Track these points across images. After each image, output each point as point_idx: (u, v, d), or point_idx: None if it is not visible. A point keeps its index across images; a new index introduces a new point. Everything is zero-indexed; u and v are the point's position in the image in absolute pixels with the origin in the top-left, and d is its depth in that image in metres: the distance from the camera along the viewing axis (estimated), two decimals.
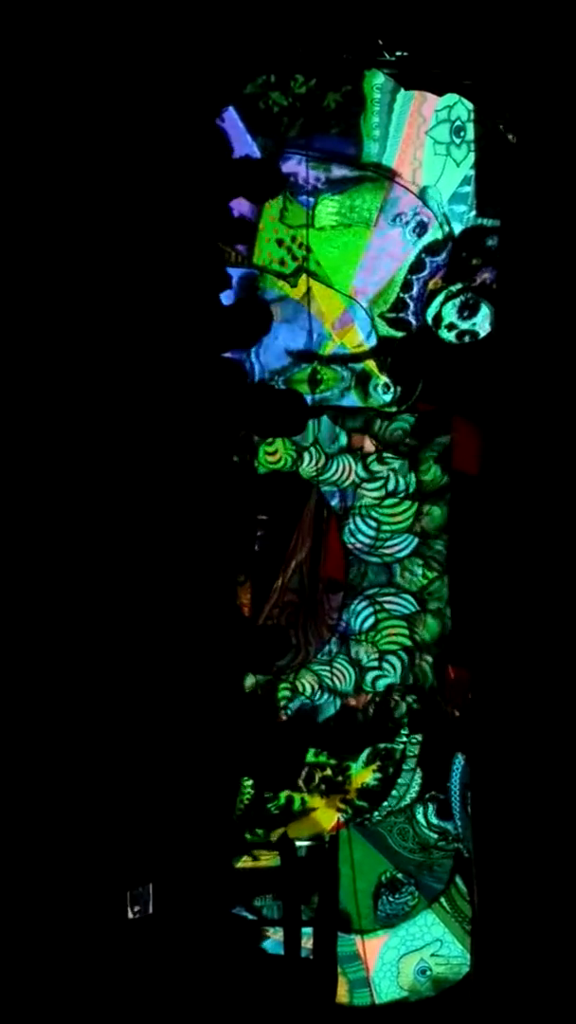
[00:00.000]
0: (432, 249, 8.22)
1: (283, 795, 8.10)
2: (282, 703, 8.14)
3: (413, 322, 8.25)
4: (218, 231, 7.55)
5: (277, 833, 7.87)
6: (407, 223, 8.17)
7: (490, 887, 7.57)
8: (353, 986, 8.03)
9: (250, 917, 7.80)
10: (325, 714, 8.19)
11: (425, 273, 8.23)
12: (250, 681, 8.01)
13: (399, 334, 8.27)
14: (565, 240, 7.47)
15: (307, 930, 7.30)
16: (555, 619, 7.37)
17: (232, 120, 7.93)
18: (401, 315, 8.27)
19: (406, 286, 8.26)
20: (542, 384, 7.52)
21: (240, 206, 7.99)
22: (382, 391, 8.21)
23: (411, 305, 8.26)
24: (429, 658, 8.15)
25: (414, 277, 8.24)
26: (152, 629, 6.72)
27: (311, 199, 8.19)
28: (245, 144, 7.94)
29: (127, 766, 6.56)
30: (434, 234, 8.19)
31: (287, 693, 8.16)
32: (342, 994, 7.83)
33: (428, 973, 8.10)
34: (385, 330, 8.27)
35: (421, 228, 8.18)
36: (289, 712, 8.17)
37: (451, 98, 8.01)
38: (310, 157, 8.11)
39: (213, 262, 7.16)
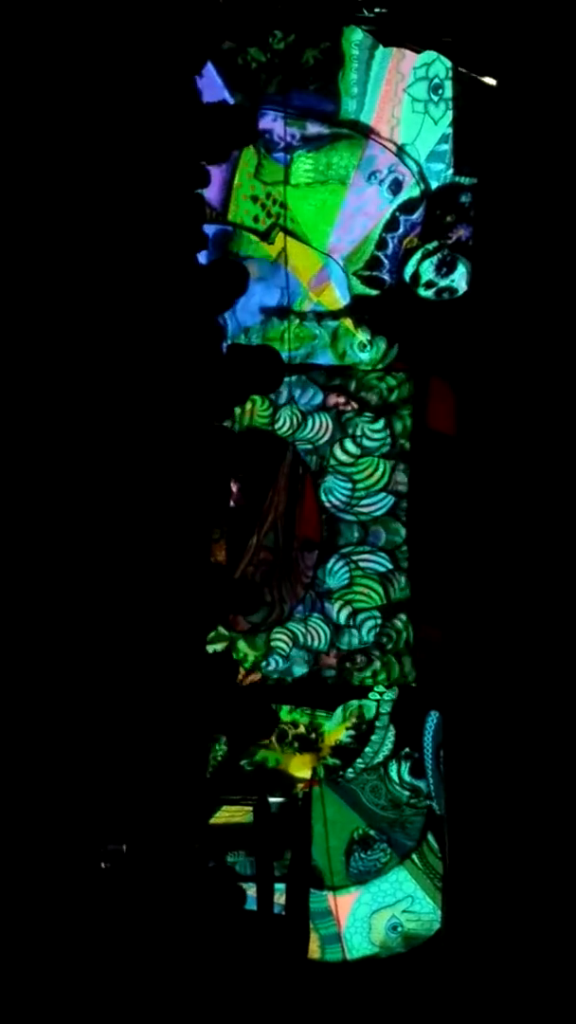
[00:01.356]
0: (407, 207, 8.20)
1: (257, 753, 8.13)
2: (256, 661, 8.16)
3: (387, 280, 8.24)
4: (192, 187, 7.48)
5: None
6: (383, 181, 8.15)
7: (461, 844, 7.60)
8: (325, 942, 8.08)
9: (223, 873, 7.82)
10: (299, 672, 8.20)
11: (400, 231, 8.21)
12: (224, 638, 8.03)
13: (374, 292, 8.25)
14: (542, 198, 7.45)
15: (280, 886, 7.32)
16: (528, 577, 7.38)
17: (210, 75, 7.88)
18: (375, 273, 8.26)
19: (381, 244, 8.24)
20: (519, 343, 7.50)
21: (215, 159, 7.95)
22: (358, 349, 8.20)
23: (386, 263, 8.24)
24: (403, 616, 8.17)
25: (388, 235, 8.22)
26: (126, 587, 6.69)
27: (287, 156, 8.16)
28: (221, 94, 7.91)
29: (100, 722, 6.54)
30: (409, 192, 8.17)
31: (261, 650, 8.18)
32: (314, 950, 7.87)
33: (399, 929, 8.15)
34: (360, 288, 8.25)
35: (396, 186, 8.16)
36: (263, 670, 8.19)
37: (429, 55, 7.98)
38: (287, 114, 8.07)
39: (188, 218, 7.10)
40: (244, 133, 7.15)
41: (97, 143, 6.68)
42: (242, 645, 8.22)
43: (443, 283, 8.11)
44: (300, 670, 8.20)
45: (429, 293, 8.11)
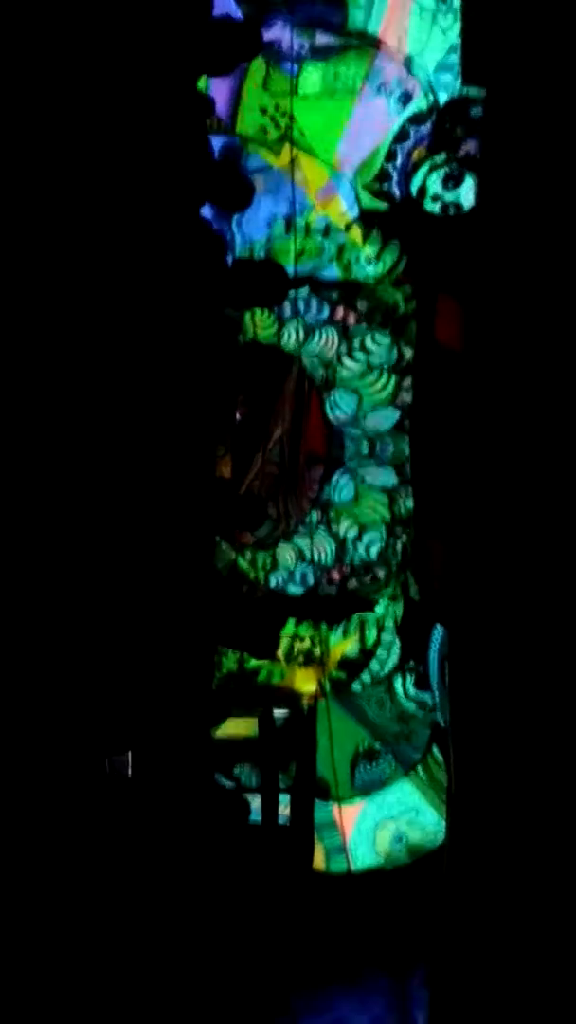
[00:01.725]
0: (417, 119, 8.13)
1: (263, 666, 8.17)
2: (262, 574, 8.19)
3: (397, 193, 8.18)
4: (199, 100, 7.42)
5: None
6: (391, 92, 8.08)
7: (466, 756, 7.65)
8: (330, 853, 8.15)
9: (229, 784, 7.89)
10: (305, 586, 8.23)
11: (410, 143, 8.15)
12: (230, 554, 8.05)
13: (383, 205, 8.20)
14: (552, 111, 7.37)
15: (284, 797, 7.39)
16: (534, 493, 7.37)
17: None
18: (384, 186, 8.20)
19: (390, 156, 8.18)
20: (527, 259, 7.45)
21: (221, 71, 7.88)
22: (364, 263, 8.16)
23: (394, 176, 8.18)
24: (409, 530, 8.18)
25: (398, 147, 8.17)
26: (131, 502, 6.71)
27: (295, 67, 8.08)
28: (228, 7, 7.81)
29: (106, 638, 6.58)
30: (419, 104, 8.10)
31: (267, 565, 8.20)
32: (319, 861, 7.95)
33: (404, 841, 8.22)
34: (369, 201, 8.20)
35: (406, 97, 8.09)
36: (269, 584, 8.21)
37: None
38: (294, 23, 7.98)
39: (194, 132, 7.05)
40: (250, 45, 7.08)
41: (101, 57, 6.63)
42: (246, 559, 8.24)
43: (449, 197, 8.05)
44: (306, 584, 8.23)
45: (435, 207, 8.06)
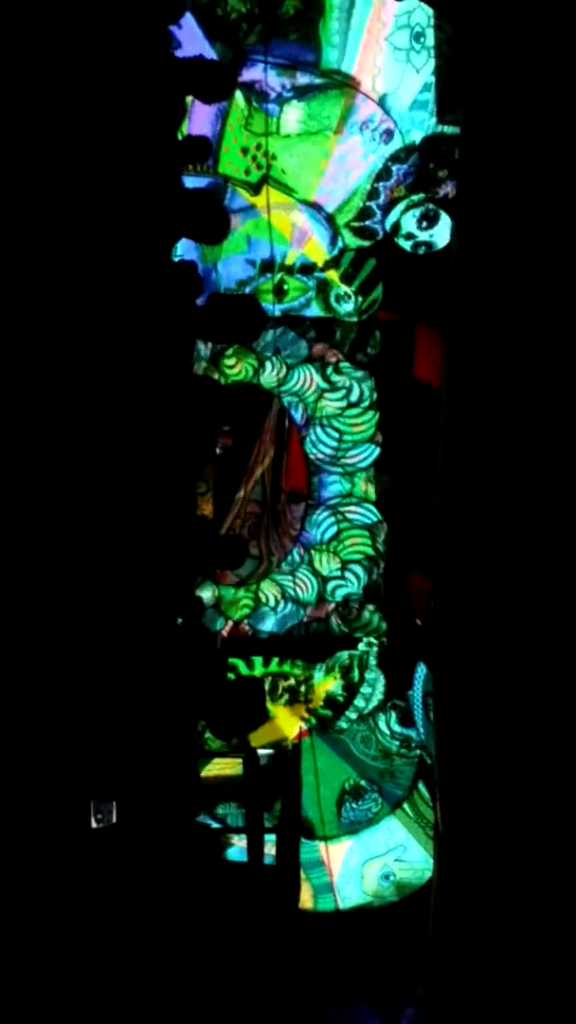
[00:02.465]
0: (397, 157, 8.17)
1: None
2: (245, 613, 8.19)
3: (379, 231, 8.22)
4: (177, 142, 7.45)
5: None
6: (373, 130, 8.12)
7: (453, 793, 7.63)
8: (317, 892, 8.13)
9: (214, 825, 7.87)
10: (287, 624, 8.23)
11: (391, 181, 8.19)
12: (210, 592, 8.05)
13: (366, 243, 8.24)
14: (528, 150, 7.39)
15: (270, 837, 7.37)
16: (518, 526, 7.37)
17: (190, 27, 7.84)
18: (367, 223, 8.23)
19: (372, 194, 8.22)
20: (507, 293, 7.46)
21: (201, 114, 7.93)
22: (344, 300, 8.19)
23: (377, 214, 8.22)
24: (391, 566, 8.19)
25: (380, 185, 8.20)
26: (112, 541, 6.70)
27: (275, 107, 8.12)
28: (201, 48, 7.87)
29: (85, 676, 6.56)
30: (398, 141, 8.14)
31: (250, 604, 8.20)
32: (306, 900, 7.93)
33: (392, 878, 8.20)
34: (351, 239, 8.24)
35: (387, 135, 8.13)
36: (251, 623, 8.21)
37: (411, 3, 7.95)
38: (272, 64, 8.03)
39: (172, 171, 7.07)
40: (225, 85, 7.11)
41: (83, 99, 6.65)
42: (229, 597, 8.25)
43: (422, 236, 8.09)
44: (289, 622, 8.23)
45: (407, 245, 8.09)
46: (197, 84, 6.91)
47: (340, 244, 8.21)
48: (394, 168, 8.17)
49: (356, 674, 8.21)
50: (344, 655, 8.22)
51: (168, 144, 6.88)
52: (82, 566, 6.46)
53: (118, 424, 6.55)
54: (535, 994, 6.90)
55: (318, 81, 8.12)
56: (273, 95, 8.10)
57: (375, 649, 8.21)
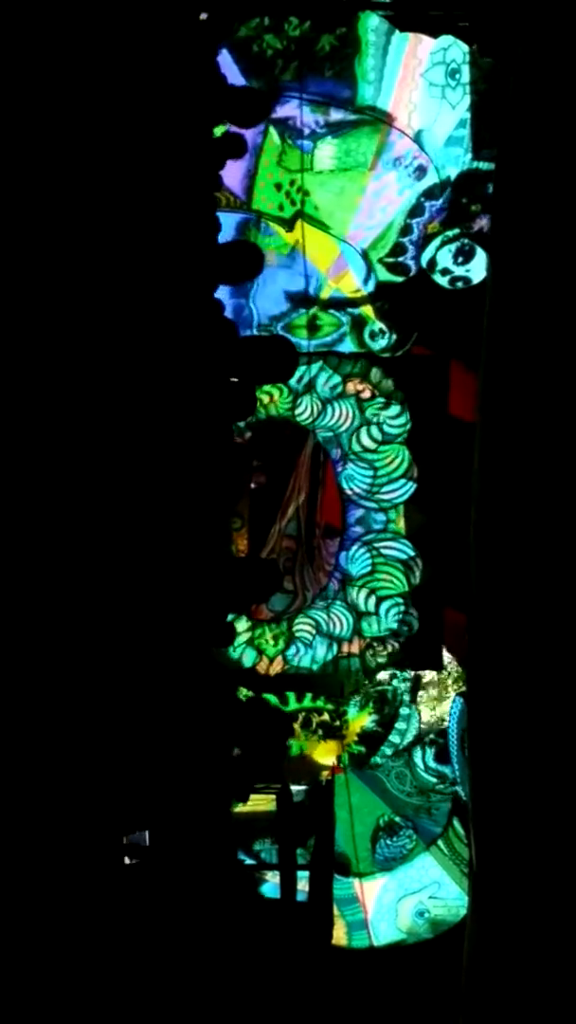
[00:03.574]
0: (430, 193, 8.18)
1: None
2: (279, 649, 8.18)
3: (412, 266, 8.22)
4: (212, 173, 7.48)
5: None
6: (407, 166, 8.13)
7: (488, 830, 7.59)
8: (351, 928, 8.10)
9: (248, 861, 7.85)
10: (323, 659, 8.21)
11: (424, 217, 8.20)
12: (245, 626, 8.06)
13: (399, 279, 8.25)
14: (560, 185, 7.39)
15: (303, 874, 7.34)
16: (553, 561, 7.34)
17: (226, 63, 7.87)
18: (401, 259, 8.24)
19: (405, 230, 8.23)
20: (541, 328, 7.45)
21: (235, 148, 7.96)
22: (378, 337, 8.20)
23: (410, 249, 8.23)
24: (426, 602, 8.18)
25: (413, 221, 8.21)
26: (147, 576, 6.70)
27: (309, 143, 8.15)
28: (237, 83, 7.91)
29: (122, 710, 6.56)
30: (432, 178, 8.15)
31: (284, 639, 8.19)
32: (340, 936, 7.90)
33: (426, 915, 8.17)
34: (385, 275, 8.25)
35: (420, 171, 8.14)
36: (287, 658, 8.20)
37: (446, 40, 7.96)
38: (306, 100, 8.06)
39: (206, 207, 7.10)
40: (257, 112, 7.13)
41: (119, 136, 6.68)
42: (265, 632, 8.25)
43: (459, 271, 8.10)
44: (324, 657, 8.21)
45: (444, 280, 8.10)
46: (232, 110, 6.96)
47: (374, 280, 8.21)
48: (427, 204, 8.18)
49: (390, 709, 8.19)
50: (375, 690, 8.20)
51: (205, 180, 6.92)
52: (118, 601, 6.46)
53: (156, 463, 6.57)
54: None
55: (352, 117, 8.13)
56: (307, 131, 8.12)
57: (408, 684, 8.19)
